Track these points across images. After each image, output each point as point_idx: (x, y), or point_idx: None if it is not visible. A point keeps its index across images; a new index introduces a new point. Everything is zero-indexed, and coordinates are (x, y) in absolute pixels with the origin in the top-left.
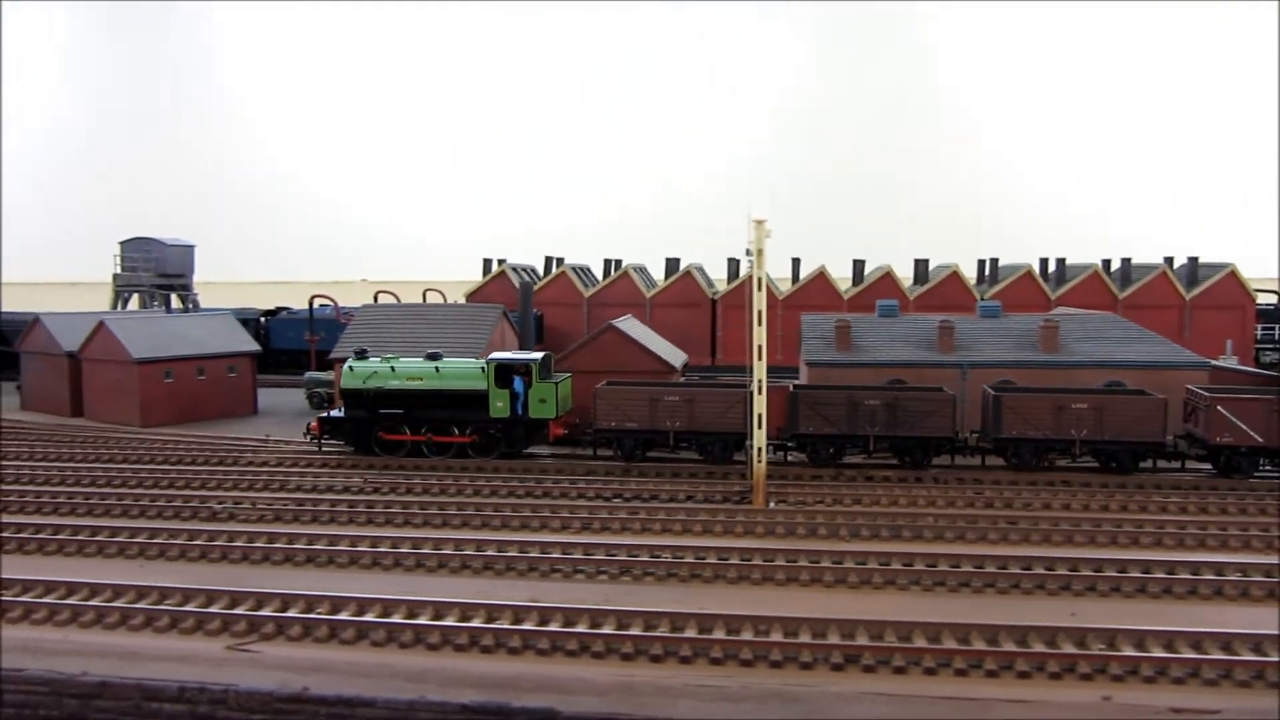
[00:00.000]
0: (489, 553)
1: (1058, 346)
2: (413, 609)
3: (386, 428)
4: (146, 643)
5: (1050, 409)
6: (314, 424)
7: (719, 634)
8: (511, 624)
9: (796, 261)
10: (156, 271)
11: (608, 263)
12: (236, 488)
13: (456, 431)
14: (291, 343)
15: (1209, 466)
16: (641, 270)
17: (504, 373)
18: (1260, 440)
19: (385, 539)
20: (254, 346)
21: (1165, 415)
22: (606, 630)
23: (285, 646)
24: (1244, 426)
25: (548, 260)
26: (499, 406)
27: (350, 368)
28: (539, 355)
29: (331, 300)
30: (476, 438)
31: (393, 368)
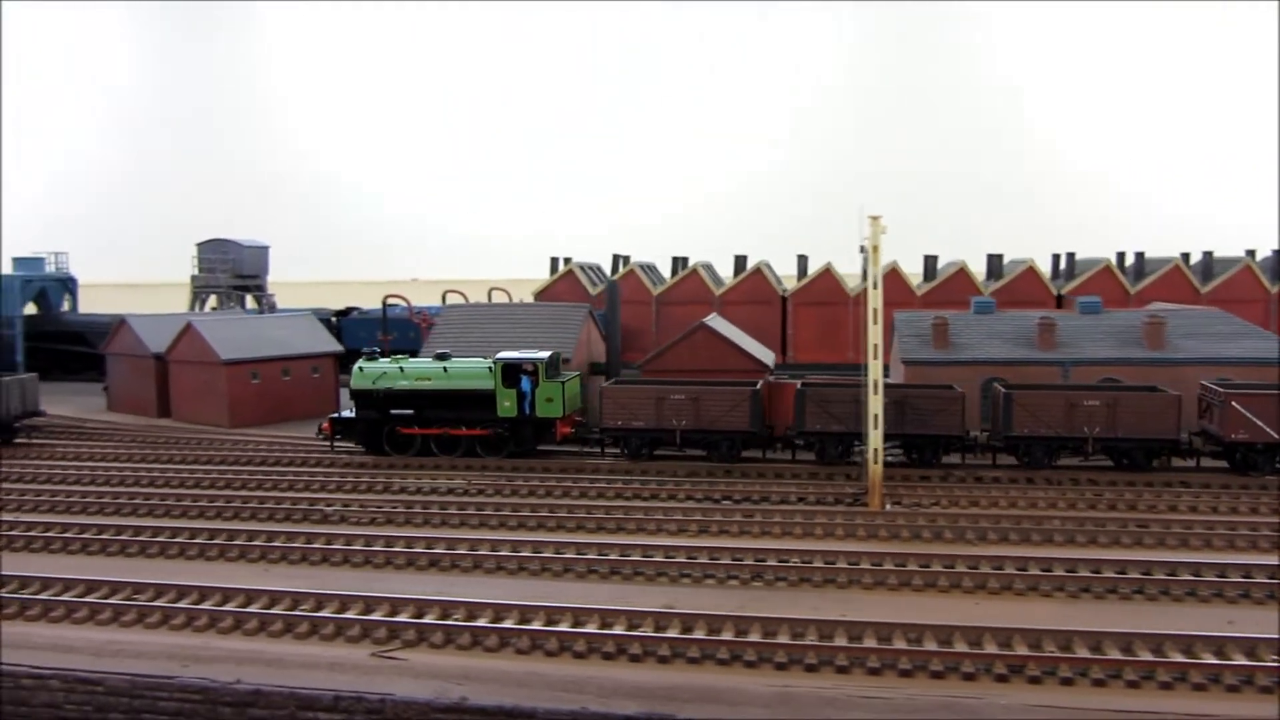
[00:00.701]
0: (611, 557)
1: (1164, 343)
2: (551, 615)
3: (403, 425)
4: (290, 649)
5: (1062, 406)
6: (326, 424)
7: (871, 642)
8: (655, 631)
9: (865, 258)
10: (233, 272)
11: (675, 260)
12: (340, 489)
13: (465, 431)
14: (364, 342)
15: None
16: (708, 268)
17: (511, 372)
18: (1276, 436)
19: (503, 543)
20: (336, 347)
21: (1179, 412)
22: (754, 638)
23: (430, 654)
24: (1259, 423)
25: (615, 258)
26: (506, 406)
27: (360, 368)
28: (545, 355)
29: (405, 300)
30: (489, 433)
31: (401, 368)
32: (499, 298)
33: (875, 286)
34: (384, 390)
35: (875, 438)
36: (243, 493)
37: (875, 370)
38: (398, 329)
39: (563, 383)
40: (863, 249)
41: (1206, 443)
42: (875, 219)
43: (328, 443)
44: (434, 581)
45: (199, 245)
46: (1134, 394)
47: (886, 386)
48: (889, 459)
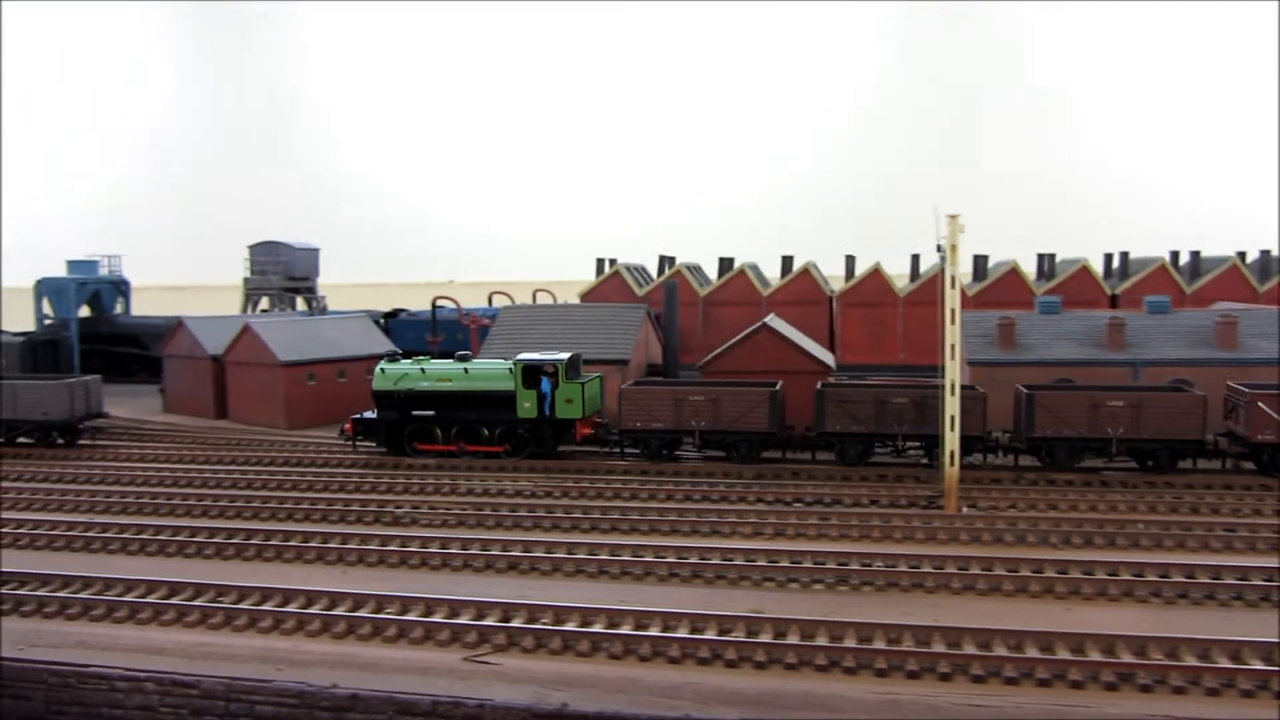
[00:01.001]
0: (691, 561)
1: (1237, 343)
2: (639, 620)
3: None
4: (381, 653)
5: (1085, 407)
6: (348, 425)
7: (971, 648)
8: (747, 636)
9: (916, 258)
10: (285, 274)
11: (721, 261)
12: (407, 491)
13: (486, 432)
14: (412, 344)
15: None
16: (754, 268)
17: (531, 374)
18: None
19: (579, 546)
20: (391, 348)
21: (1204, 413)
22: (849, 644)
23: (522, 659)
24: None
25: (661, 259)
26: (526, 407)
27: (382, 369)
28: (565, 356)
29: (455, 302)
30: (507, 439)
31: (423, 369)
32: (544, 299)
33: (953, 286)
34: (405, 391)
35: (952, 439)
36: (309, 494)
37: (953, 371)
38: (446, 330)
39: (582, 384)
40: (939, 248)
41: (1233, 444)
42: (954, 217)
43: (349, 443)
44: (514, 585)
45: (251, 248)
46: (1158, 394)
47: (905, 387)
48: (909, 460)
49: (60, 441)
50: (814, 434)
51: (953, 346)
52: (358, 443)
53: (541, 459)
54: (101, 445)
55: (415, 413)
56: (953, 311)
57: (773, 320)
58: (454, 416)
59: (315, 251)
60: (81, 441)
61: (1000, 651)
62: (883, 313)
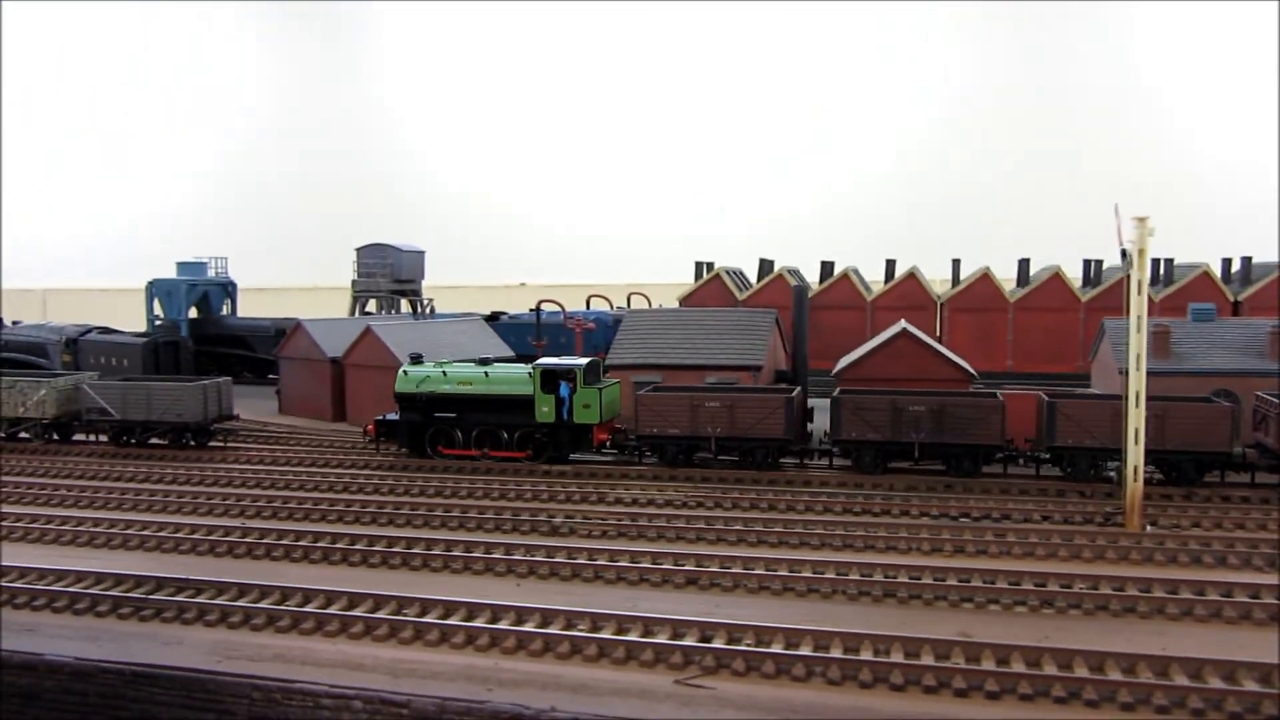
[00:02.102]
0: (877, 578)
1: None
2: (847, 642)
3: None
4: (586, 674)
5: (1108, 416)
6: (370, 426)
7: (1215, 681)
8: (967, 663)
9: (1025, 262)
10: (392, 277)
11: (823, 264)
12: (553, 499)
13: (505, 435)
14: (514, 347)
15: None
16: (856, 271)
17: (550, 378)
18: None
19: (756, 560)
20: (508, 351)
21: (1232, 424)
22: (1082, 673)
23: (735, 682)
24: None
25: (761, 262)
26: (544, 411)
27: (405, 372)
28: (584, 361)
29: (559, 305)
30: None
31: (444, 372)
32: (638, 302)
33: (1140, 291)
34: (427, 394)
35: (1136, 454)
36: (451, 500)
37: (1138, 381)
38: (549, 334)
39: (600, 389)
40: (1125, 252)
41: (1262, 456)
42: (1142, 220)
43: (373, 445)
44: (698, 601)
45: (358, 250)
46: (1184, 404)
47: (924, 395)
48: (923, 468)
49: (192, 443)
50: (830, 442)
51: (1138, 356)
52: (380, 445)
53: (558, 464)
54: (233, 448)
55: (437, 415)
56: (1138, 319)
57: (908, 326)
58: (474, 419)
59: (421, 254)
60: (213, 444)
61: (1249, 686)
62: (991, 318)
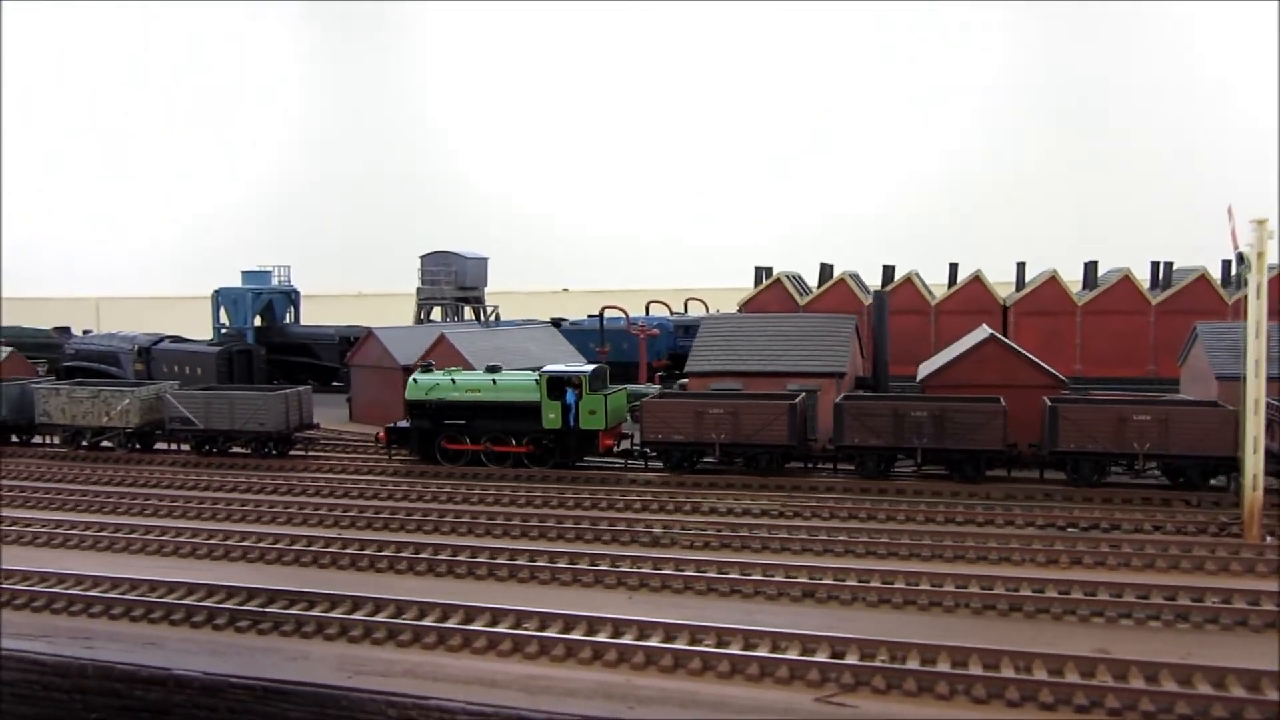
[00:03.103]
0: (999, 590)
1: None
2: (986, 659)
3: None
4: (722, 691)
5: (1112, 421)
6: (382, 433)
7: None
8: (1115, 681)
9: (1094, 265)
10: (456, 284)
11: (885, 268)
12: (647, 509)
13: (514, 442)
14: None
15: None
16: (918, 275)
17: (556, 385)
18: None
19: (871, 573)
20: (580, 359)
21: (1236, 430)
22: (1239, 693)
23: (877, 700)
24: None
25: (822, 267)
26: (551, 418)
27: (415, 380)
28: (590, 368)
29: (623, 311)
30: (531, 448)
31: (454, 380)
32: (695, 308)
33: (1259, 296)
34: (436, 401)
35: (1255, 462)
36: (542, 510)
37: (1257, 389)
38: (612, 340)
39: (606, 395)
40: (1242, 257)
41: (1269, 462)
42: (1262, 222)
43: (386, 451)
44: (818, 615)
45: (422, 258)
46: (1187, 409)
47: (924, 400)
48: (926, 472)
49: (274, 452)
50: (833, 447)
51: (1258, 362)
52: (392, 451)
53: (565, 469)
54: (313, 456)
55: (447, 422)
56: (1257, 324)
57: (993, 332)
58: (483, 426)
59: (484, 261)
60: (293, 453)
61: None
62: (1059, 322)
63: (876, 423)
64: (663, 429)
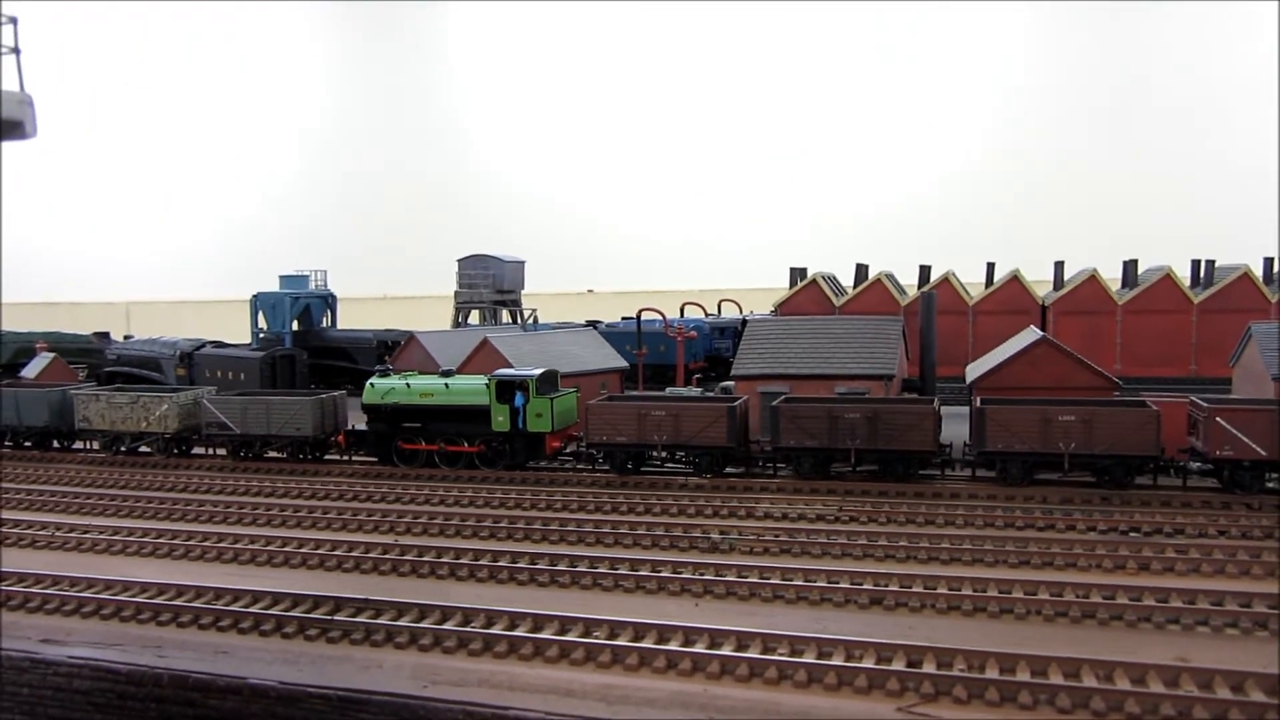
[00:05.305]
0: (1070, 598)
1: None
2: (1065, 668)
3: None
4: (803, 700)
5: (1037, 421)
6: (339, 436)
7: None
8: (1200, 690)
9: (1134, 263)
10: (494, 288)
11: (921, 269)
12: (701, 514)
13: (465, 444)
14: None
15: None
16: (955, 275)
17: (504, 389)
18: (1263, 453)
19: (937, 579)
20: (623, 363)
21: (1159, 428)
22: None
23: (957, 711)
24: (1245, 439)
25: (857, 267)
26: (500, 421)
27: (372, 384)
28: (537, 372)
29: (659, 313)
30: (482, 448)
31: (408, 384)
32: (729, 309)
33: None
34: (392, 405)
35: None
36: (595, 515)
37: None
38: (649, 343)
39: (552, 399)
40: None
41: (1194, 459)
42: None
43: (344, 455)
44: (888, 622)
45: (460, 261)
46: (1110, 409)
47: (859, 400)
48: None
49: (310, 457)
50: (770, 449)
51: None
52: (351, 454)
53: (517, 470)
54: (349, 461)
55: (404, 425)
56: None
57: (1045, 333)
58: (436, 429)
59: (521, 264)
60: (328, 456)
61: None
62: (1099, 322)
63: (812, 425)
64: (607, 431)
